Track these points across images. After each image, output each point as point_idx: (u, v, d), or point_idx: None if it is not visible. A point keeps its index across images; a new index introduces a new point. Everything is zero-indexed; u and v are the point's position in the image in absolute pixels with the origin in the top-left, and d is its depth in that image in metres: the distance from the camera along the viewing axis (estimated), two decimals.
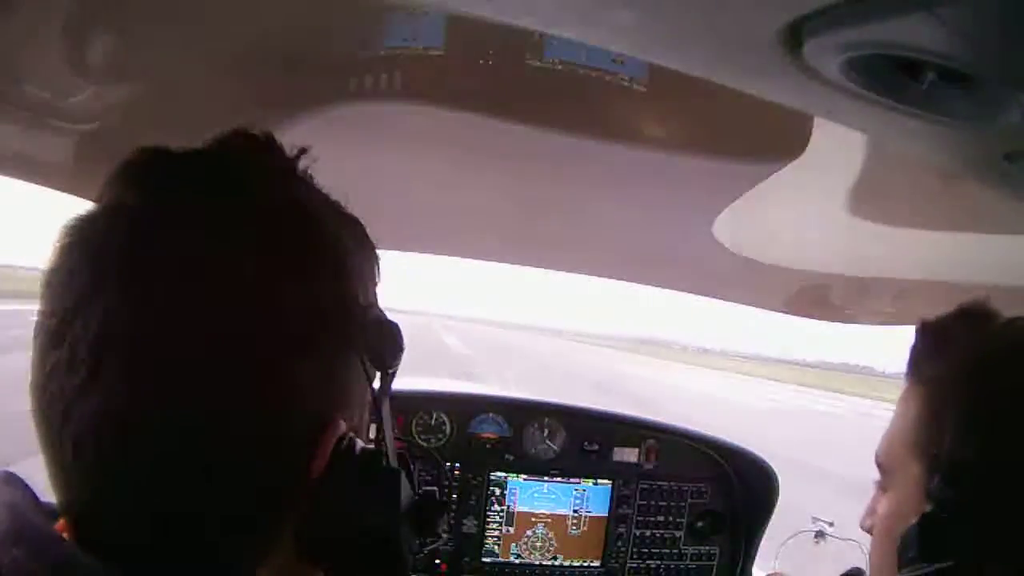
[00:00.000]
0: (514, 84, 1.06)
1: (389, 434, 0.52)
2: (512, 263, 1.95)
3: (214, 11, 0.93)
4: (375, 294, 0.54)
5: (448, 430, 1.80)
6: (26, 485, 0.47)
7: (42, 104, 0.97)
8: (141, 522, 0.43)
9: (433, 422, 1.80)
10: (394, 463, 0.52)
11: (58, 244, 0.46)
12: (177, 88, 1.00)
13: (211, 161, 0.49)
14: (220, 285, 0.44)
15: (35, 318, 0.45)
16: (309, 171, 0.52)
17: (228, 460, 0.44)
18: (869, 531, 0.82)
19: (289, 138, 0.52)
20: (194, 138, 0.49)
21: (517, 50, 1.04)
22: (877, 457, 0.82)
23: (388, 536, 0.50)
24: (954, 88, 0.50)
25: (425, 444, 1.77)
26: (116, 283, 0.43)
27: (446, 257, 1.97)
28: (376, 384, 0.53)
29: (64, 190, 1.14)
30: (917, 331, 0.82)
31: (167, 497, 0.43)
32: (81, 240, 0.45)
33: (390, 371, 0.52)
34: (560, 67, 1.04)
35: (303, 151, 0.52)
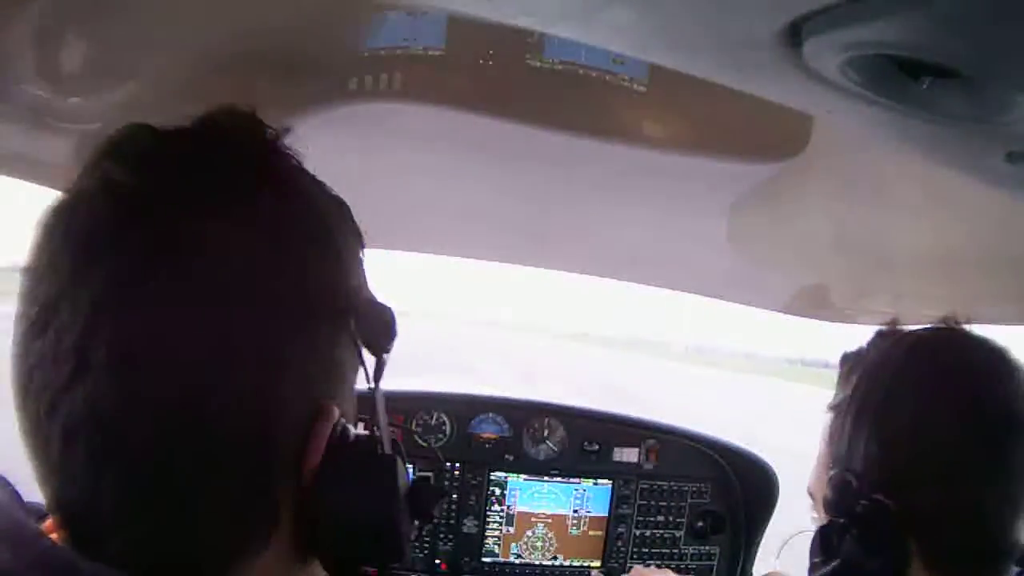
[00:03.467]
0: (514, 84, 1.06)
1: (383, 420, 0.52)
2: (512, 263, 1.95)
3: (214, 11, 0.93)
4: (364, 275, 0.53)
5: (448, 430, 1.80)
6: (8, 483, 0.46)
7: (42, 104, 0.97)
8: (132, 519, 0.42)
9: (433, 422, 1.80)
10: (388, 450, 0.51)
11: (40, 226, 0.44)
12: (177, 88, 1.00)
13: (200, 138, 0.47)
14: (214, 269, 0.42)
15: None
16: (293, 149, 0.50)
17: (224, 453, 0.43)
18: None
19: (289, 138, 0.52)
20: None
21: (517, 50, 1.04)
22: (808, 486, 0.88)
23: (388, 525, 0.49)
24: (954, 88, 0.50)
25: (425, 444, 1.77)
26: (103, 268, 0.41)
27: (445, 257, 1.97)
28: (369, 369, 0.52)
29: (64, 190, 1.14)
30: (844, 363, 0.87)
31: (158, 493, 0.42)
32: (66, 221, 0.43)
33: (384, 355, 0.51)
34: (560, 67, 1.04)
35: (286, 130, 0.50)
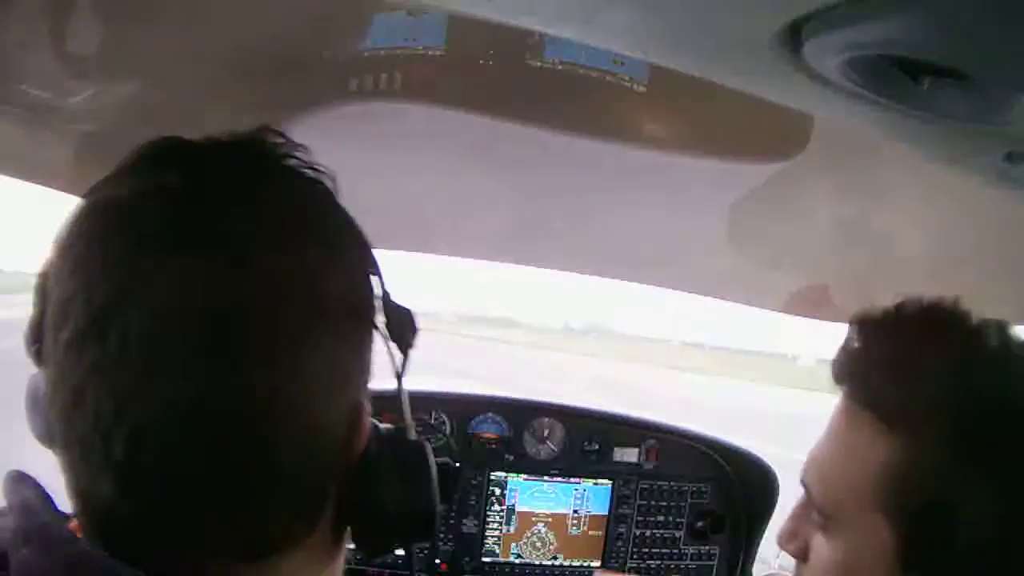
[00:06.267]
0: (514, 84, 1.06)
1: (407, 410, 0.57)
2: (512, 263, 1.95)
3: (214, 11, 0.93)
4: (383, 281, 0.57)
5: (448, 430, 1.80)
6: (38, 484, 0.46)
7: (42, 104, 0.97)
8: (192, 517, 0.43)
9: (433, 422, 1.80)
10: (413, 437, 0.56)
11: (81, 230, 0.44)
12: (177, 88, 1.00)
13: (243, 148, 0.49)
14: (274, 270, 0.44)
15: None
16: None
17: (284, 450, 0.44)
18: (795, 556, 0.73)
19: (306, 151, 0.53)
20: (195, 138, 0.49)
21: (517, 50, 1.04)
22: (814, 498, 0.70)
23: (427, 507, 0.54)
24: (954, 88, 0.50)
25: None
26: (167, 270, 0.42)
27: (446, 257, 1.97)
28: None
29: (64, 190, 1.14)
30: (864, 339, 0.69)
31: (222, 492, 0.43)
32: (118, 224, 0.44)
33: (409, 351, 0.56)
34: (560, 67, 1.04)
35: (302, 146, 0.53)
